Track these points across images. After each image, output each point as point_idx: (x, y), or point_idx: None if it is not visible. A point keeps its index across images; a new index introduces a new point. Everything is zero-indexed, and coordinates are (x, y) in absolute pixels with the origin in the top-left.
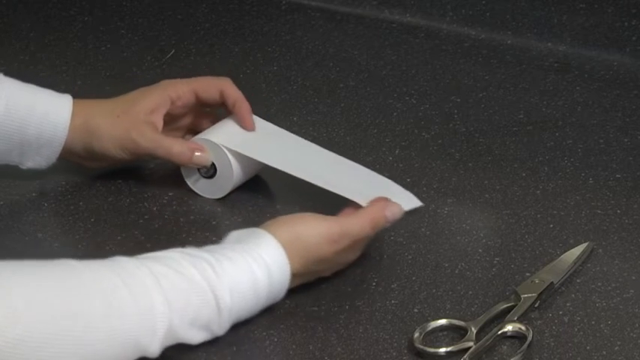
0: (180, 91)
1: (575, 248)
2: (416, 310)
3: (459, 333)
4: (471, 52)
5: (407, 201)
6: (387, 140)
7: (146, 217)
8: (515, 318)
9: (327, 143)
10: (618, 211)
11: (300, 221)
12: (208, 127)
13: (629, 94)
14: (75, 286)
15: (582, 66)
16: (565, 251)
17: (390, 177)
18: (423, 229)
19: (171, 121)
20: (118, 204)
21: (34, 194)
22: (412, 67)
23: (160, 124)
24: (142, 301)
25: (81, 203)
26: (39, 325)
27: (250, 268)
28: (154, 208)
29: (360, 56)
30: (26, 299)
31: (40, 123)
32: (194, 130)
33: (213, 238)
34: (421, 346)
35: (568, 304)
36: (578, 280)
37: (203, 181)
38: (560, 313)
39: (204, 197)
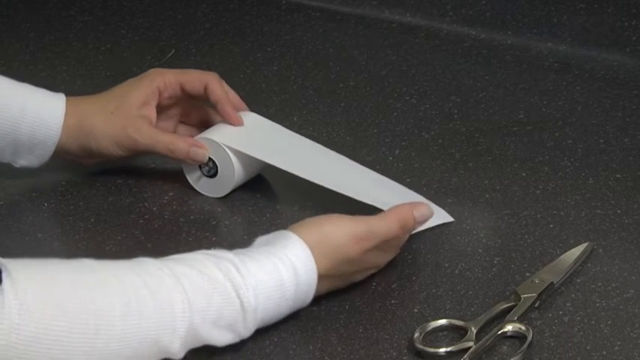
0: (167, 81)
1: (575, 248)
2: (416, 310)
3: (459, 333)
4: (471, 52)
5: (436, 215)
6: (387, 140)
7: (146, 217)
8: (515, 318)
9: (327, 143)
10: (618, 211)
11: (327, 221)
12: (198, 118)
13: (629, 94)
14: (91, 285)
15: (582, 66)
16: (565, 251)
17: (390, 177)
18: (423, 229)
19: (161, 112)
20: (118, 204)
21: (34, 194)
22: (412, 67)
23: (154, 116)
24: (162, 300)
25: (81, 203)
26: (53, 322)
27: (276, 268)
28: (154, 208)
29: (360, 56)
30: (41, 297)
31: (33, 124)
32: (186, 121)
33: (213, 238)
34: (421, 346)
35: (568, 304)
36: (578, 280)
37: (205, 180)
38: (560, 313)
39: (204, 197)
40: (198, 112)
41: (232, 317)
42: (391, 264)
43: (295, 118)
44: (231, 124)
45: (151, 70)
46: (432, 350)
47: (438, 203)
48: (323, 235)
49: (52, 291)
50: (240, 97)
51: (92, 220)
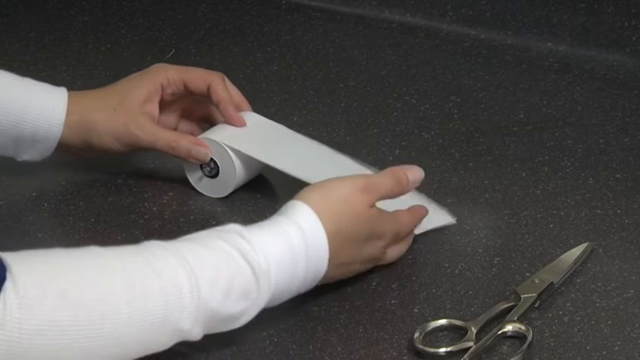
0: (170, 78)
1: (575, 248)
2: (416, 310)
3: (459, 333)
4: (471, 52)
5: (438, 217)
6: (387, 140)
7: (146, 217)
8: (515, 318)
9: (327, 143)
10: (618, 211)
11: (329, 181)
12: (200, 114)
13: (629, 94)
14: (93, 270)
15: (582, 66)
16: (565, 251)
17: None
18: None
19: (163, 107)
20: (118, 204)
21: (34, 194)
22: (412, 67)
23: (156, 113)
24: (167, 278)
25: (81, 203)
26: (56, 313)
27: (282, 230)
28: (154, 208)
29: (360, 56)
30: (41, 289)
31: (36, 120)
32: (188, 116)
33: None
34: (421, 346)
35: (568, 304)
36: (578, 280)
37: (206, 180)
38: (560, 313)
39: (205, 197)
40: (200, 108)
41: (245, 285)
42: (391, 264)
43: (295, 118)
44: (233, 125)
45: (155, 66)
46: (432, 350)
47: (438, 203)
48: (325, 191)
49: (53, 281)
50: None
51: (92, 220)
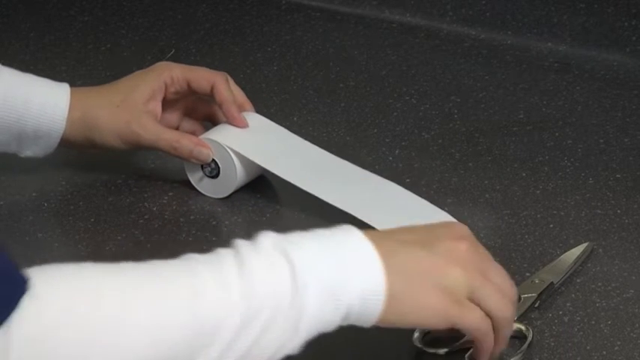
0: (174, 76)
1: (575, 248)
2: None
3: (459, 333)
4: (471, 52)
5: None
6: (387, 140)
7: (146, 217)
8: (515, 318)
9: (327, 143)
10: (618, 211)
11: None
12: (203, 113)
13: (629, 94)
14: (119, 300)
15: (582, 66)
16: (565, 251)
17: (390, 177)
18: None
19: (165, 105)
20: (118, 204)
21: (34, 194)
22: (412, 67)
23: (159, 111)
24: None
25: (81, 203)
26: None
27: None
28: (154, 208)
29: (360, 56)
30: (62, 308)
31: (38, 116)
32: (191, 114)
33: (213, 238)
34: (421, 346)
35: (568, 304)
36: (578, 280)
37: (207, 181)
38: (560, 313)
39: (205, 197)
40: (203, 107)
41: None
42: None
43: (295, 118)
44: (235, 125)
45: (159, 64)
46: (432, 350)
47: (438, 203)
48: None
49: (75, 302)
50: None
51: (92, 220)
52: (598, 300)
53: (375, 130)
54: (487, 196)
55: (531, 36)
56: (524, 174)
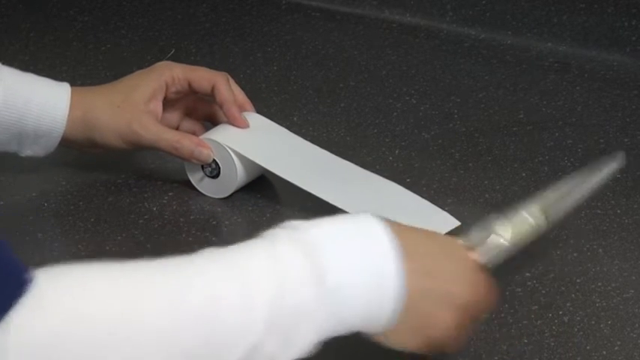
0: (175, 76)
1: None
2: None
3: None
4: (471, 52)
5: (443, 222)
6: (387, 140)
7: (146, 217)
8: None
9: (327, 143)
10: (618, 211)
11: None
12: (203, 113)
13: (629, 94)
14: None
15: (582, 66)
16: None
17: (390, 177)
18: None
19: (166, 104)
20: (118, 204)
21: (34, 194)
22: (412, 67)
23: (160, 111)
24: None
25: (81, 203)
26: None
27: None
28: (154, 208)
29: (360, 56)
30: (66, 308)
31: (39, 116)
32: (192, 114)
33: (213, 238)
34: None
35: (568, 304)
36: (578, 280)
37: (207, 181)
38: (560, 313)
39: (205, 197)
40: (204, 107)
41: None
42: None
43: (295, 118)
44: (235, 126)
45: (160, 64)
46: None
47: (438, 203)
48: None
49: (79, 303)
50: None
51: (92, 220)
52: (598, 300)
53: (375, 130)
54: (487, 196)
55: (531, 36)
56: (524, 174)
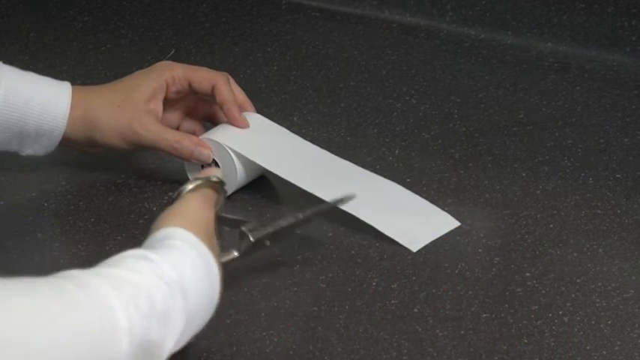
0: (175, 76)
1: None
2: (416, 310)
3: None
4: (471, 52)
5: (442, 222)
6: (387, 140)
7: (146, 217)
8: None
9: (327, 143)
10: (618, 211)
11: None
12: (204, 113)
13: (629, 94)
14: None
15: (582, 66)
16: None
17: (390, 177)
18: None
19: (166, 104)
20: (118, 204)
21: (34, 194)
22: (412, 67)
23: (160, 111)
24: (95, 296)
25: (81, 203)
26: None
27: (170, 244)
28: (154, 208)
29: (360, 56)
30: None
31: (40, 115)
32: (192, 114)
33: None
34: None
35: (568, 304)
36: (578, 280)
37: None
38: (560, 313)
39: None
40: (204, 107)
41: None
42: (391, 264)
43: (295, 118)
44: (236, 126)
45: (160, 63)
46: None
47: (438, 203)
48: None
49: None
50: None
51: (92, 220)
52: (598, 300)
53: (375, 130)
54: (487, 196)
55: (531, 36)
56: (524, 174)
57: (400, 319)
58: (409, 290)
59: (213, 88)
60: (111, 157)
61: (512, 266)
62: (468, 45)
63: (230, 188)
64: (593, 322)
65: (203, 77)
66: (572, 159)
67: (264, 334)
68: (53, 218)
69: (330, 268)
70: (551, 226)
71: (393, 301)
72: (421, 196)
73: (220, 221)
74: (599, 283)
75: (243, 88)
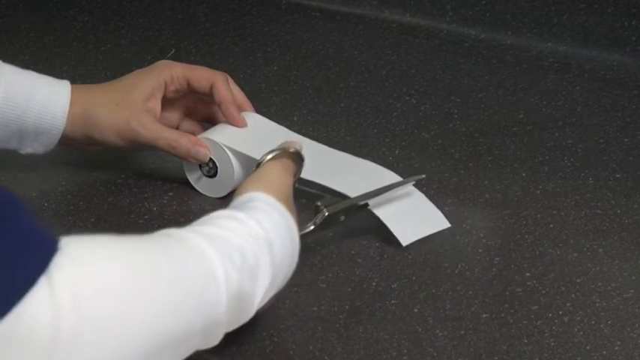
0: (174, 75)
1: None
2: (416, 310)
3: None
4: (471, 52)
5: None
6: (387, 140)
7: (146, 217)
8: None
9: (327, 143)
10: (618, 211)
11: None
12: (203, 113)
13: (629, 94)
14: (131, 240)
15: (582, 66)
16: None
17: None
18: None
19: (166, 103)
20: (118, 204)
21: (34, 194)
22: (412, 67)
23: (158, 110)
24: (193, 250)
25: (81, 203)
26: (108, 272)
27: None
28: (154, 208)
29: (360, 56)
30: (91, 251)
31: (39, 113)
32: (191, 115)
33: None
34: None
35: (568, 304)
36: (578, 280)
37: (205, 180)
38: (560, 313)
39: (204, 197)
40: (204, 108)
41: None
42: (391, 264)
43: (295, 118)
44: (234, 125)
45: (160, 62)
46: None
47: (438, 203)
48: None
49: (100, 246)
50: None
51: (92, 220)
52: (598, 300)
53: (375, 130)
54: (487, 196)
55: (531, 36)
56: (524, 174)
57: (400, 319)
58: (409, 290)
59: (211, 88)
60: (111, 157)
61: (512, 266)
62: (468, 45)
63: (227, 188)
64: (593, 322)
65: (202, 76)
66: (572, 159)
67: (264, 334)
68: (53, 218)
69: (330, 268)
70: (551, 226)
71: (393, 301)
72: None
73: (295, 194)
74: (599, 283)
75: (243, 88)
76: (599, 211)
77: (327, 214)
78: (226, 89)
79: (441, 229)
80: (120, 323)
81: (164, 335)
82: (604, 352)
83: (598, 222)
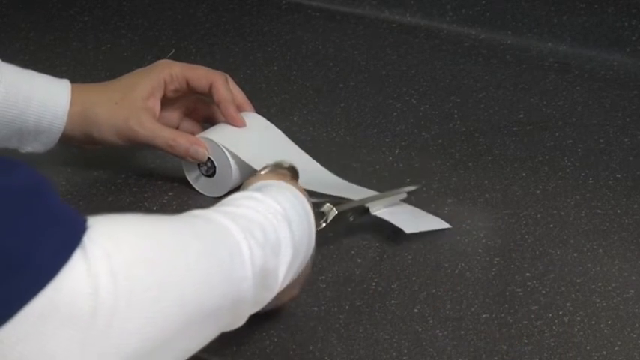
0: (174, 74)
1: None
2: (416, 310)
3: None
4: (471, 52)
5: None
6: (387, 140)
7: None
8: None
9: (327, 143)
10: (618, 211)
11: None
12: (203, 113)
13: (629, 94)
14: (159, 218)
15: (582, 66)
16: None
17: (390, 177)
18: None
19: (165, 103)
20: (118, 204)
21: None
22: (412, 67)
23: (158, 109)
24: (220, 228)
25: (81, 203)
26: (141, 245)
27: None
28: (154, 208)
29: (360, 56)
30: (120, 228)
31: (39, 112)
32: (191, 115)
33: None
34: None
35: (568, 304)
36: (578, 280)
37: (203, 180)
38: (560, 313)
39: (204, 197)
40: (203, 108)
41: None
42: (391, 264)
43: (295, 118)
44: (233, 125)
45: (159, 62)
46: None
47: (438, 203)
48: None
49: (128, 222)
50: None
51: None
52: (598, 300)
53: (375, 130)
54: (487, 196)
55: (531, 36)
56: (524, 174)
57: (400, 319)
58: (409, 290)
59: (210, 87)
60: (111, 156)
61: (512, 266)
62: (468, 45)
63: (226, 187)
64: (593, 322)
65: (201, 76)
66: (572, 159)
67: (264, 334)
68: None
69: (330, 268)
70: (551, 226)
71: (393, 301)
72: (421, 196)
73: None
74: (599, 283)
75: (243, 88)
76: (599, 211)
77: (336, 212)
78: (225, 89)
79: (442, 228)
80: (153, 295)
81: (194, 308)
82: (604, 352)
83: (598, 222)
